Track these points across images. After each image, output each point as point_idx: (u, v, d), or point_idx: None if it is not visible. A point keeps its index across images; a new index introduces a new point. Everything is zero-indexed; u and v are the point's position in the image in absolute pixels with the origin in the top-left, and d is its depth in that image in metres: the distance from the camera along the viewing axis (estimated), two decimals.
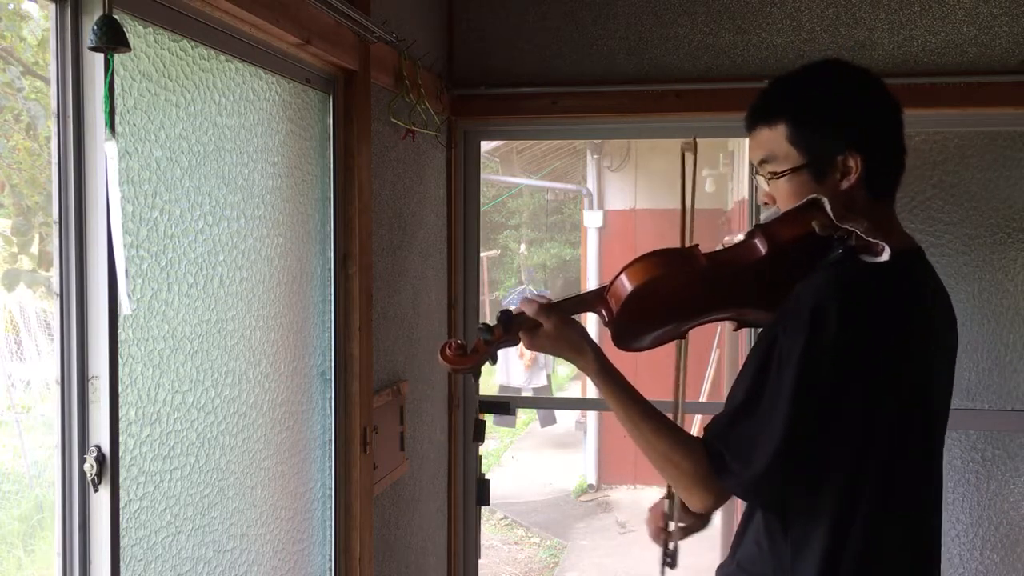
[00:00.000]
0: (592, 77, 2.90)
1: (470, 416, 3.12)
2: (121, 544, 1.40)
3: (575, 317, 1.46)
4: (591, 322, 6.45)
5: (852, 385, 1.28)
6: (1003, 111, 2.70)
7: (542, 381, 8.38)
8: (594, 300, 1.45)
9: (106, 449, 1.36)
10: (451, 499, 3.06)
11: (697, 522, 1.60)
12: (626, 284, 1.39)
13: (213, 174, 1.68)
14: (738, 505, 3.06)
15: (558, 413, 9.01)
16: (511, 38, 2.95)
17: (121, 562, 1.40)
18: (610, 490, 7.67)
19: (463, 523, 3.13)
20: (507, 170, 9.72)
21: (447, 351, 1.43)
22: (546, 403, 8.79)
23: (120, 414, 1.39)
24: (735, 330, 1.57)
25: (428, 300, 2.79)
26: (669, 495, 1.58)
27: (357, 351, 2.16)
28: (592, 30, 2.90)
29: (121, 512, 1.40)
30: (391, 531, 2.47)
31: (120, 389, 1.40)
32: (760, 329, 1.45)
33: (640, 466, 7.49)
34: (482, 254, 5.95)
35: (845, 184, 1.36)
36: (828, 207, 1.32)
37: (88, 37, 1.25)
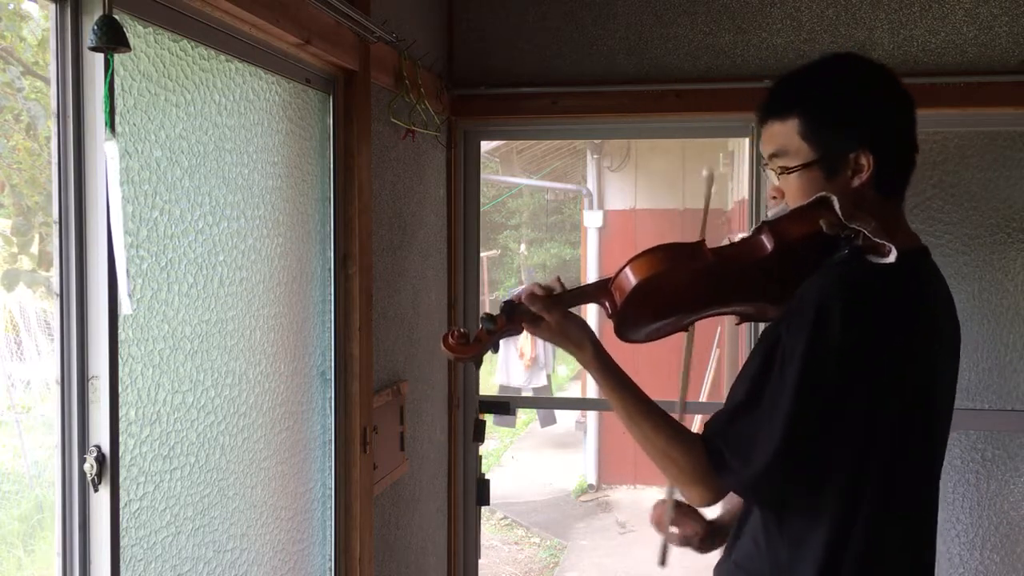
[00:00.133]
0: (592, 77, 2.90)
1: (470, 416, 3.12)
2: (121, 544, 1.40)
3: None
4: (592, 312, 6.46)
5: (855, 386, 1.28)
6: (1003, 111, 2.70)
7: (542, 381, 8.38)
8: (598, 292, 1.44)
9: (106, 449, 1.36)
10: (451, 499, 3.06)
11: (695, 539, 1.62)
12: (631, 278, 1.38)
13: (213, 174, 1.68)
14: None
15: (558, 413, 9.01)
16: (511, 38, 2.95)
17: (121, 562, 1.40)
18: (610, 490, 7.67)
19: (463, 523, 3.13)
20: (507, 170, 9.72)
21: (449, 339, 1.43)
22: (546, 403, 8.79)
23: (120, 414, 1.39)
24: (738, 324, 1.57)
25: (428, 300, 2.79)
26: (670, 496, 1.59)
27: (357, 351, 2.16)
28: (592, 30, 2.90)
29: (121, 512, 1.40)
30: (391, 531, 2.47)
31: (120, 389, 1.40)
32: (763, 324, 1.45)
33: (640, 466, 7.49)
34: (482, 254, 5.95)
35: (856, 182, 1.35)
36: (837, 206, 1.31)
37: (88, 37, 1.25)
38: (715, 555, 1.57)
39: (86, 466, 1.35)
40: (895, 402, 1.32)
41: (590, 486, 7.71)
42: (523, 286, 1.49)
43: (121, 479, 1.39)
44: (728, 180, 7.39)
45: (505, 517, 6.98)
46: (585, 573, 5.87)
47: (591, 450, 7.81)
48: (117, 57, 1.32)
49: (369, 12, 2.13)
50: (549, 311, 1.42)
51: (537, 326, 1.43)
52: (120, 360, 1.40)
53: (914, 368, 1.34)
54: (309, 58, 1.98)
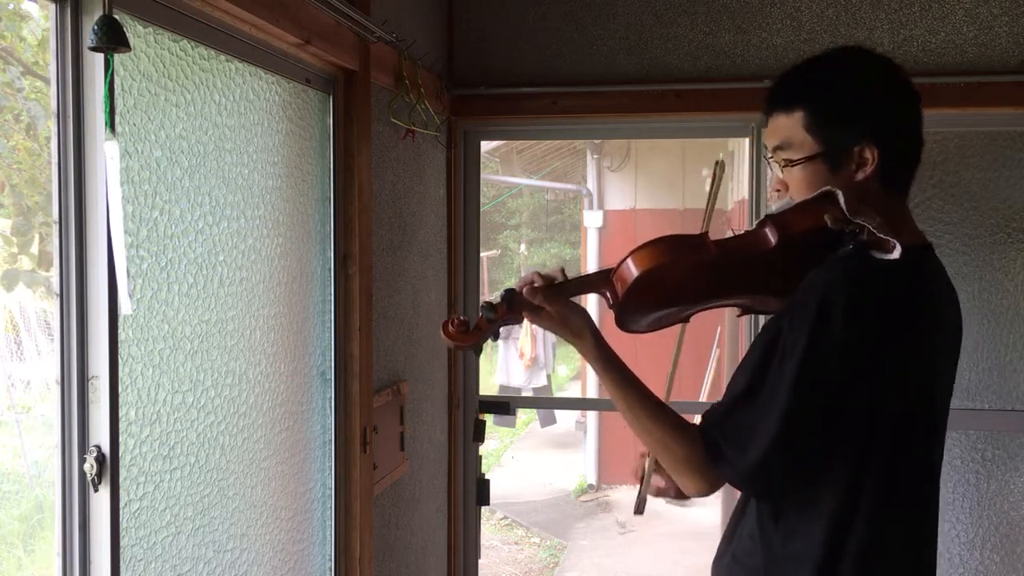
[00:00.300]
0: (592, 77, 2.90)
1: (470, 416, 3.12)
2: (121, 544, 1.40)
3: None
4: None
5: (857, 382, 1.28)
6: (1003, 111, 2.70)
7: (542, 381, 8.38)
8: (599, 282, 1.44)
9: (106, 449, 1.36)
10: (451, 499, 3.06)
11: (670, 490, 1.57)
12: (632, 269, 1.38)
13: (213, 174, 1.68)
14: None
15: (558, 413, 9.00)
16: (511, 38, 2.95)
17: (121, 562, 1.40)
18: (610, 490, 7.67)
19: (463, 523, 3.13)
20: (507, 170, 9.71)
21: (449, 327, 1.42)
22: (546, 403, 8.78)
23: (120, 414, 1.39)
24: (739, 315, 1.57)
25: (428, 300, 2.79)
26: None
27: (357, 351, 2.16)
28: (592, 30, 2.90)
29: (121, 512, 1.40)
30: (391, 531, 2.47)
31: (120, 389, 1.40)
32: (765, 317, 1.45)
33: None
34: (482, 254, 5.95)
35: (860, 175, 1.35)
36: (842, 200, 1.31)
37: (88, 37, 1.25)
38: (713, 553, 1.56)
39: (86, 466, 1.35)
40: (897, 399, 1.32)
41: (590, 486, 7.71)
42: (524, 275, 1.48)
43: (121, 479, 1.39)
44: (728, 180, 7.38)
45: (505, 517, 6.98)
46: (585, 573, 5.87)
47: (591, 450, 7.81)
48: (117, 57, 1.32)
49: (369, 12, 2.13)
50: (550, 300, 1.42)
51: (538, 315, 1.43)
52: (120, 360, 1.40)
53: (917, 365, 1.34)
54: (309, 58, 1.98)
